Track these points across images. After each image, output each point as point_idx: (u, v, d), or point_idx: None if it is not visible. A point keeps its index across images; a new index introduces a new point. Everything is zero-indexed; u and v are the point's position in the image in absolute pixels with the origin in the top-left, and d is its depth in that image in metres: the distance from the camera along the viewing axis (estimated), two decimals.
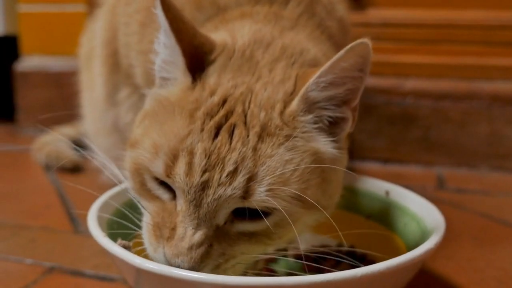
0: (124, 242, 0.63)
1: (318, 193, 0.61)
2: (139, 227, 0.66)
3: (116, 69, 0.98)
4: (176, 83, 0.65)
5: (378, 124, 1.35)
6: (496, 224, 0.99)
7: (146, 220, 0.64)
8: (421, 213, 0.74)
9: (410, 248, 0.65)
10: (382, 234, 0.79)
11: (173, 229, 0.59)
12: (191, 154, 0.58)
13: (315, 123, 0.62)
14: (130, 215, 0.67)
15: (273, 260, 0.80)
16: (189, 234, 0.58)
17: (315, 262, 0.78)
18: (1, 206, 1.06)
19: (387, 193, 0.82)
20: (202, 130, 0.59)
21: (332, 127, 0.63)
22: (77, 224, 0.97)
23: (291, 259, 0.81)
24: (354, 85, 0.61)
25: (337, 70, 0.59)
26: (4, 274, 0.79)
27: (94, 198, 0.73)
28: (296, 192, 0.58)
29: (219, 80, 0.63)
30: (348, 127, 0.64)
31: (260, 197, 0.57)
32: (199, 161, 0.57)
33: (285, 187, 0.58)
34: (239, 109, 0.61)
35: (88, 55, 1.15)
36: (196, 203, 0.58)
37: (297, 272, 0.75)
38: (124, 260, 0.58)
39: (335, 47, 0.78)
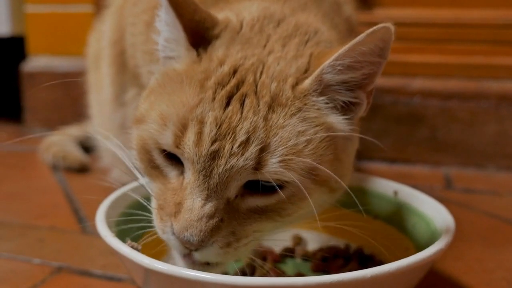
0: (133, 243, 0.63)
1: (330, 170, 0.59)
2: (147, 227, 0.65)
3: (124, 69, 0.98)
4: (180, 60, 0.63)
5: (385, 123, 1.34)
6: (504, 224, 0.99)
7: (153, 206, 0.63)
8: (431, 214, 0.74)
9: (419, 248, 0.64)
10: (390, 235, 0.79)
11: (179, 203, 0.57)
12: (201, 123, 0.56)
13: (327, 103, 0.60)
14: (137, 216, 0.66)
15: (280, 261, 0.80)
16: (199, 206, 0.56)
17: (323, 262, 0.78)
18: (9, 206, 1.07)
19: (395, 193, 0.81)
20: (213, 99, 0.58)
21: (344, 109, 0.62)
22: (84, 224, 0.97)
23: (299, 260, 0.81)
24: (371, 69, 0.59)
25: (355, 54, 0.57)
26: (12, 274, 0.79)
27: (102, 197, 0.73)
28: (310, 164, 0.57)
29: (227, 52, 0.62)
30: (361, 111, 0.63)
31: (273, 168, 0.55)
32: (208, 131, 0.56)
33: (298, 159, 0.56)
34: (250, 78, 0.59)
35: (96, 55, 1.15)
36: (206, 173, 0.56)
37: (305, 273, 0.76)
38: (132, 260, 0.58)
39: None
